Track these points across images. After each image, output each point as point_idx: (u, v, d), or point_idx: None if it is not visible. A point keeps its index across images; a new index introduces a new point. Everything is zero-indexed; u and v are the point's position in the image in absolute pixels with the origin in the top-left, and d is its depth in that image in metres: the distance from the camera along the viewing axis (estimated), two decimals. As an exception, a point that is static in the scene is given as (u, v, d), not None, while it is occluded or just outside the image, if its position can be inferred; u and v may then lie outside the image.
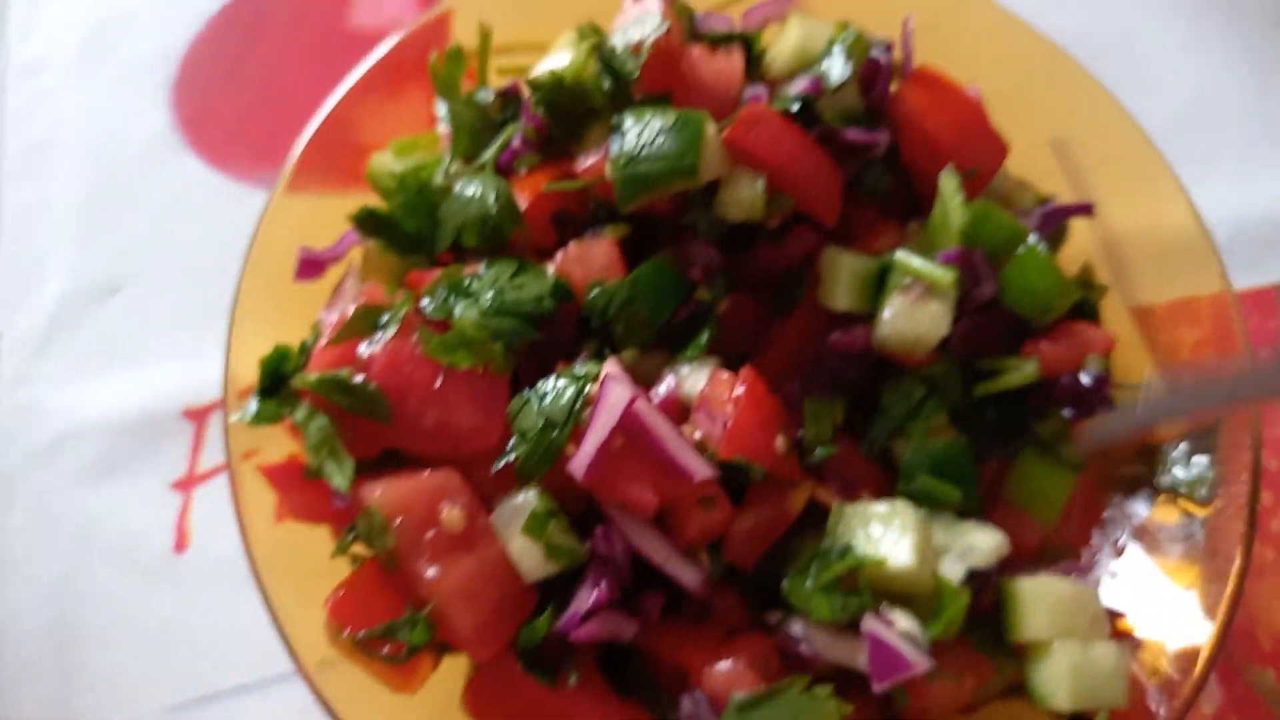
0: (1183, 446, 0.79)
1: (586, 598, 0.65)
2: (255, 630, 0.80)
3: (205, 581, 0.82)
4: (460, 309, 0.70)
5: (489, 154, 0.78)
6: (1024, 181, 0.92)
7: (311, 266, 0.79)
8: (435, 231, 0.76)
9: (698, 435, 0.69)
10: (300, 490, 0.69)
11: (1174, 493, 0.78)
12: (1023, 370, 0.73)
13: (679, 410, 0.71)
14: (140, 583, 0.81)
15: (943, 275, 0.71)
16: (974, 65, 0.85)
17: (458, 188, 0.76)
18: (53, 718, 0.77)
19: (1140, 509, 0.79)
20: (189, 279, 0.92)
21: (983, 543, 0.70)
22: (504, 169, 0.79)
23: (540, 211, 0.76)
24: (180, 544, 0.83)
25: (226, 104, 1.02)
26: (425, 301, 0.71)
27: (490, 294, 0.70)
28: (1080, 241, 0.91)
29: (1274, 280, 1.02)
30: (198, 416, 0.87)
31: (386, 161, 0.80)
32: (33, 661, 0.79)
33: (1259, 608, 0.89)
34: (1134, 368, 0.84)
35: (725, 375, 0.70)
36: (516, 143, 0.79)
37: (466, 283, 0.71)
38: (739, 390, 0.69)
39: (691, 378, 0.72)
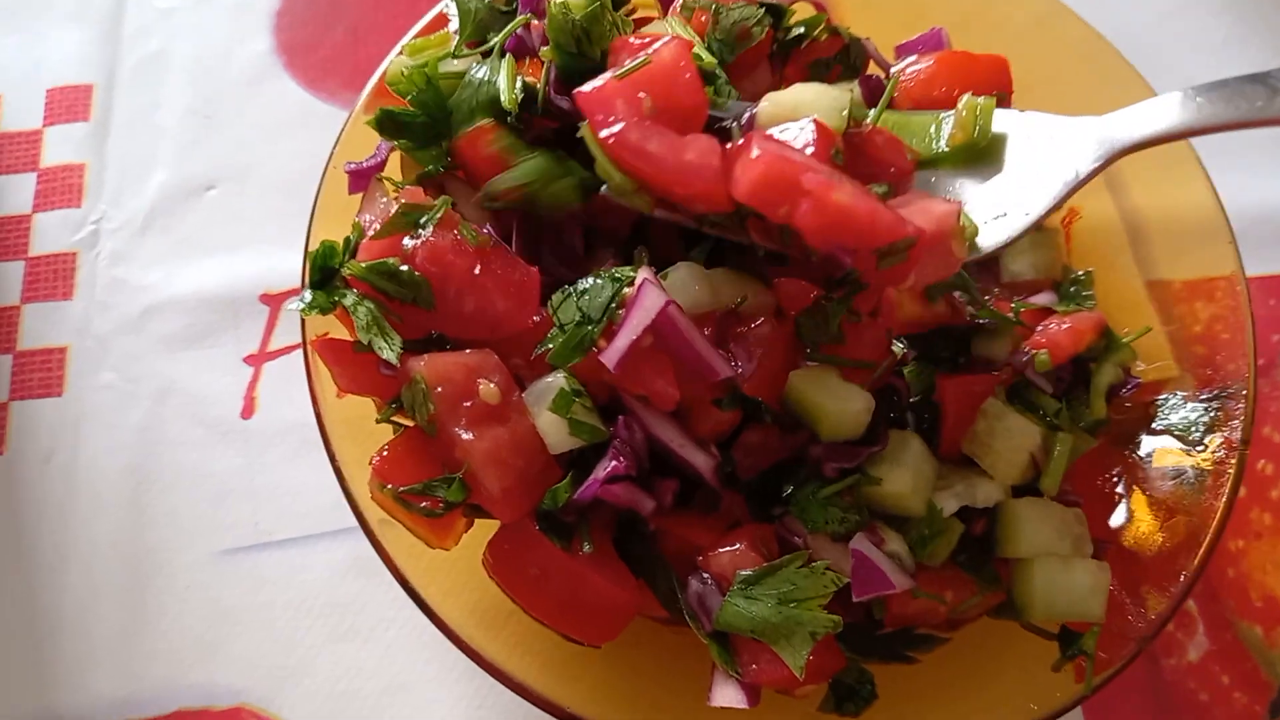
0: (1179, 395, 0.79)
1: (605, 467, 0.67)
2: (305, 493, 0.84)
3: (265, 447, 0.85)
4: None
5: (497, 39, 0.76)
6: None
7: (358, 179, 0.79)
8: (450, 119, 0.75)
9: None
10: (351, 364, 0.72)
11: (1168, 434, 0.77)
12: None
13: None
14: (208, 441, 0.85)
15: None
16: (1019, 46, 0.85)
17: (468, 74, 0.75)
18: (122, 547, 0.81)
19: (1137, 452, 0.79)
20: (276, 184, 0.96)
21: (982, 488, 0.71)
22: (515, 54, 0.77)
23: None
24: (247, 411, 0.86)
25: (323, 34, 1.05)
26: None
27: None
28: (1105, 214, 0.91)
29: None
30: (273, 301, 0.90)
31: (401, 63, 0.78)
32: (109, 499, 0.82)
33: (1252, 568, 0.88)
34: (1148, 338, 0.85)
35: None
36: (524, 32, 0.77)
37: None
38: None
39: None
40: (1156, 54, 1.04)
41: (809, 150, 0.65)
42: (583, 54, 0.74)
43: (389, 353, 0.68)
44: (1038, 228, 0.72)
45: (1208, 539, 0.71)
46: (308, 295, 0.70)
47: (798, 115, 0.68)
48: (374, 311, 0.69)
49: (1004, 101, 0.85)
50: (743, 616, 0.66)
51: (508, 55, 0.76)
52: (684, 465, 0.70)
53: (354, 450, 0.72)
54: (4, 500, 0.82)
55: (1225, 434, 0.76)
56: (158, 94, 1.00)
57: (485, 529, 0.71)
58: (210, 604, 0.80)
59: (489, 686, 0.79)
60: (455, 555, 0.71)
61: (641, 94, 0.65)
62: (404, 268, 0.69)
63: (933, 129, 0.77)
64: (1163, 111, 0.68)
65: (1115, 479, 0.78)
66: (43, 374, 0.87)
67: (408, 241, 0.70)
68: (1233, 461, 0.73)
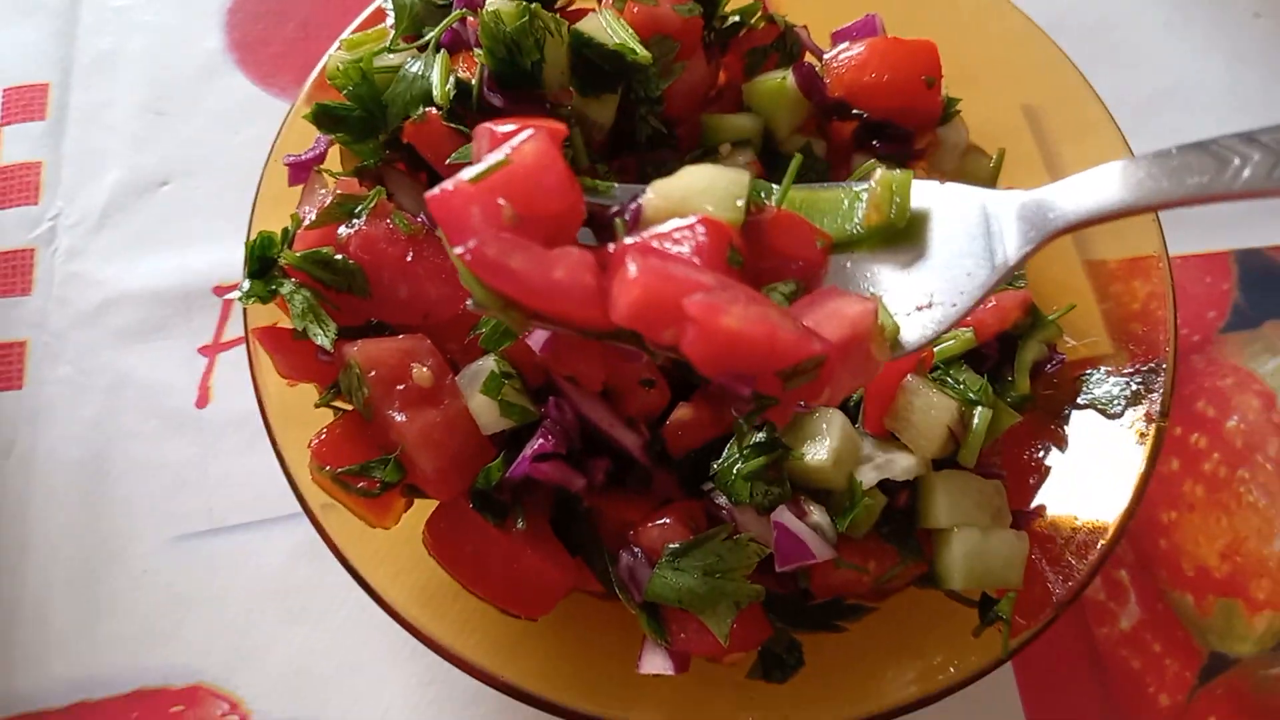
0: (1103, 370, 0.81)
1: (533, 445, 0.69)
2: (257, 480, 0.86)
3: (219, 436, 0.87)
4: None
5: (432, 33, 0.77)
6: (977, 147, 0.94)
7: (298, 171, 0.80)
8: (384, 114, 0.76)
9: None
10: (290, 351, 0.74)
11: (1092, 408, 0.80)
12: None
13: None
14: (163, 432, 0.87)
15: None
16: (959, 36, 0.87)
17: (402, 68, 0.76)
18: (79, 536, 0.83)
19: (1064, 426, 0.81)
20: (229, 179, 0.97)
21: (901, 461, 0.73)
22: (449, 49, 0.78)
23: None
24: (202, 401, 0.88)
25: (275, 30, 1.07)
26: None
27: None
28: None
29: (1229, 246, 1.02)
30: (226, 294, 0.93)
31: (339, 57, 0.79)
32: (63, 490, 0.84)
33: (1184, 539, 0.90)
34: (1083, 315, 0.87)
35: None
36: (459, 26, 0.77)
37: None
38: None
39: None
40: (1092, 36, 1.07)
41: (698, 257, 0.57)
42: (514, 60, 0.75)
43: (324, 339, 0.70)
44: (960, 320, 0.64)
45: (1124, 507, 0.73)
46: (246, 284, 0.73)
47: (687, 208, 0.62)
48: (310, 300, 0.71)
49: (933, 86, 0.87)
50: (670, 588, 0.68)
51: (442, 51, 0.78)
52: (615, 444, 0.72)
53: (298, 436, 0.74)
54: (-35, 491, 0.84)
55: (1146, 407, 0.78)
56: (112, 91, 1.02)
57: (429, 511, 0.73)
58: (165, 589, 0.82)
59: (438, 664, 0.81)
60: (401, 538, 0.74)
61: (501, 200, 0.56)
62: (338, 256, 0.71)
63: (845, 205, 0.70)
64: (1101, 187, 0.62)
65: (1041, 452, 0.80)
66: (2, 368, 0.89)
67: (342, 230, 0.72)
68: (1150, 433, 0.76)
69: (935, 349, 0.77)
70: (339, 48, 0.82)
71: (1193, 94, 1.11)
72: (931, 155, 0.92)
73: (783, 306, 0.60)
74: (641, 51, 0.77)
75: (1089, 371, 0.82)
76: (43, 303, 0.92)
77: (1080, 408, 0.80)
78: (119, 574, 0.82)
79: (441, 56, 0.77)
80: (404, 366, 0.70)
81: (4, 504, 0.84)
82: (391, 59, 0.79)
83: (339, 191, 0.74)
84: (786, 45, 0.92)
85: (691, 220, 0.59)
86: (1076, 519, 0.75)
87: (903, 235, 0.67)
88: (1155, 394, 0.78)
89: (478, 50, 0.77)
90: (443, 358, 0.72)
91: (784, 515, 0.69)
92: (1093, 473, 0.77)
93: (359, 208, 0.72)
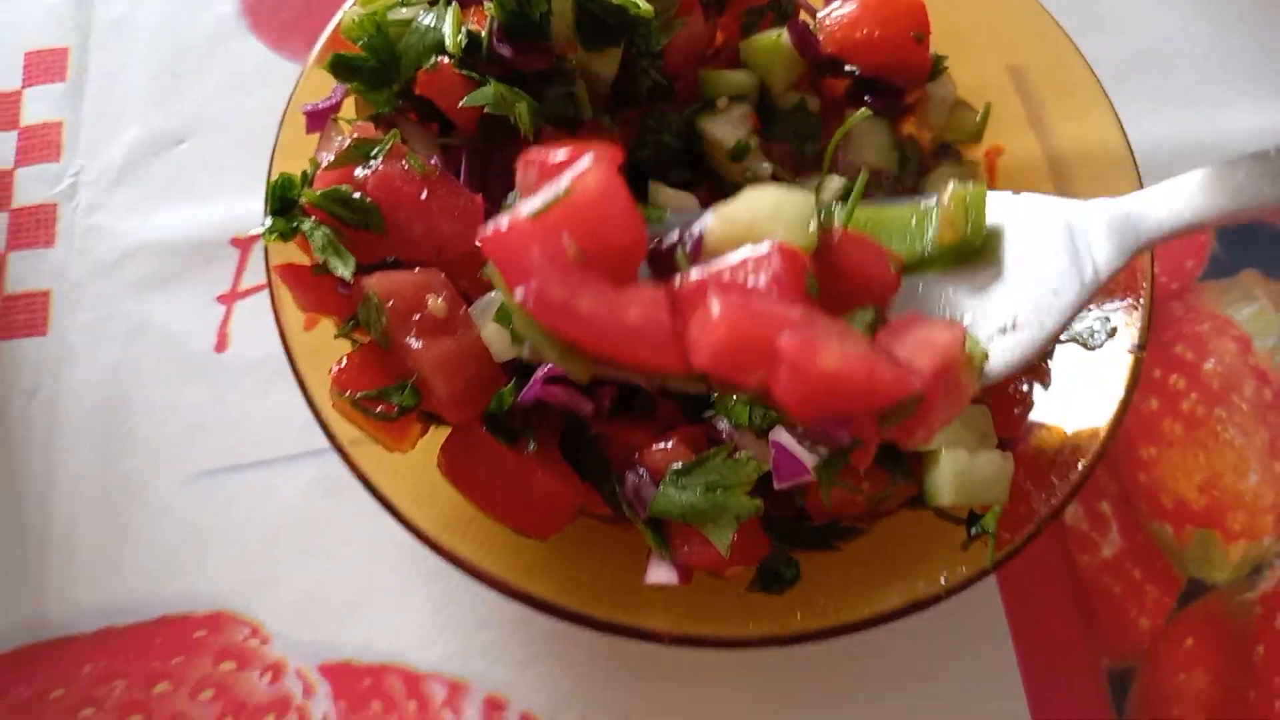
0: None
1: (544, 368, 0.73)
2: (273, 421, 0.89)
3: (236, 379, 0.90)
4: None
5: None
6: (965, 102, 0.98)
7: (315, 119, 0.84)
8: (398, 64, 0.80)
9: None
10: (311, 286, 0.77)
11: (1074, 341, 0.84)
12: None
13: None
14: (182, 374, 0.90)
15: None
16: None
17: (415, 20, 0.80)
18: (103, 474, 0.87)
19: (1047, 360, 0.85)
20: (243, 137, 1.01)
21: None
22: (460, 2, 0.81)
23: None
24: (220, 346, 0.92)
25: (287, -3, 1.12)
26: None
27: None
28: (1028, 152, 0.97)
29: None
30: (243, 244, 0.96)
31: (354, 12, 0.82)
32: (86, 431, 0.88)
33: (1164, 474, 0.94)
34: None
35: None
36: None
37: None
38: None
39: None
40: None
41: (776, 289, 0.53)
42: (523, 12, 0.79)
43: (344, 270, 0.74)
44: (1052, 345, 0.60)
45: (1105, 428, 0.77)
46: (268, 221, 0.76)
47: (755, 235, 0.57)
48: (329, 235, 0.75)
49: (922, 42, 0.91)
50: (674, 503, 0.72)
51: (453, 3, 0.82)
52: (620, 371, 0.76)
53: (318, 371, 0.77)
54: (-7, 432, 0.88)
55: (1126, 342, 0.82)
56: (129, 54, 1.05)
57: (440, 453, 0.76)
58: (187, 523, 0.86)
59: (450, 591, 0.85)
60: (416, 469, 0.77)
61: (564, 236, 0.51)
62: (356, 195, 0.75)
63: (914, 223, 0.66)
64: (1197, 194, 0.58)
65: (1025, 385, 0.84)
66: (27, 315, 0.92)
67: (359, 171, 0.75)
68: (1129, 363, 0.80)
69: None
70: (354, 3, 0.86)
71: (1173, 57, 1.15)
72: (921, 110, 0.96)
73: (868, 339, 0.56)
74: (644, 5, 0.81)
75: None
76: (65, 255, 0.95)
77: (1062, 343, 0.84)
78: (141, 509, 0.86)
79: (453, 8, 0.81)
80: (419, 298, 0.74)
81: (31, 443, 0.88)
82: (404, 13, 0.83)
83: (356, 135, 0.77)
84: (781, 5, 0.96)
85: (765, 248, 0.54)
86: (1059, 441, 0.79)
87: (977, 253, 0.63)
88: (1134, 328, 0.82)
89: (488, 4, 0.81)
90: (455, 291, 0.75)
91: (781, 435, 0.73)
92: (1075, 400, 0.81)
93: (376, 150, 0.76)
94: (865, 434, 0.51)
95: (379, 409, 0.73)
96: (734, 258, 0.54)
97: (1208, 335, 0.99)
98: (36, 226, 0.96)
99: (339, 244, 0.75)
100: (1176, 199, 0.59)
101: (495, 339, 0.74)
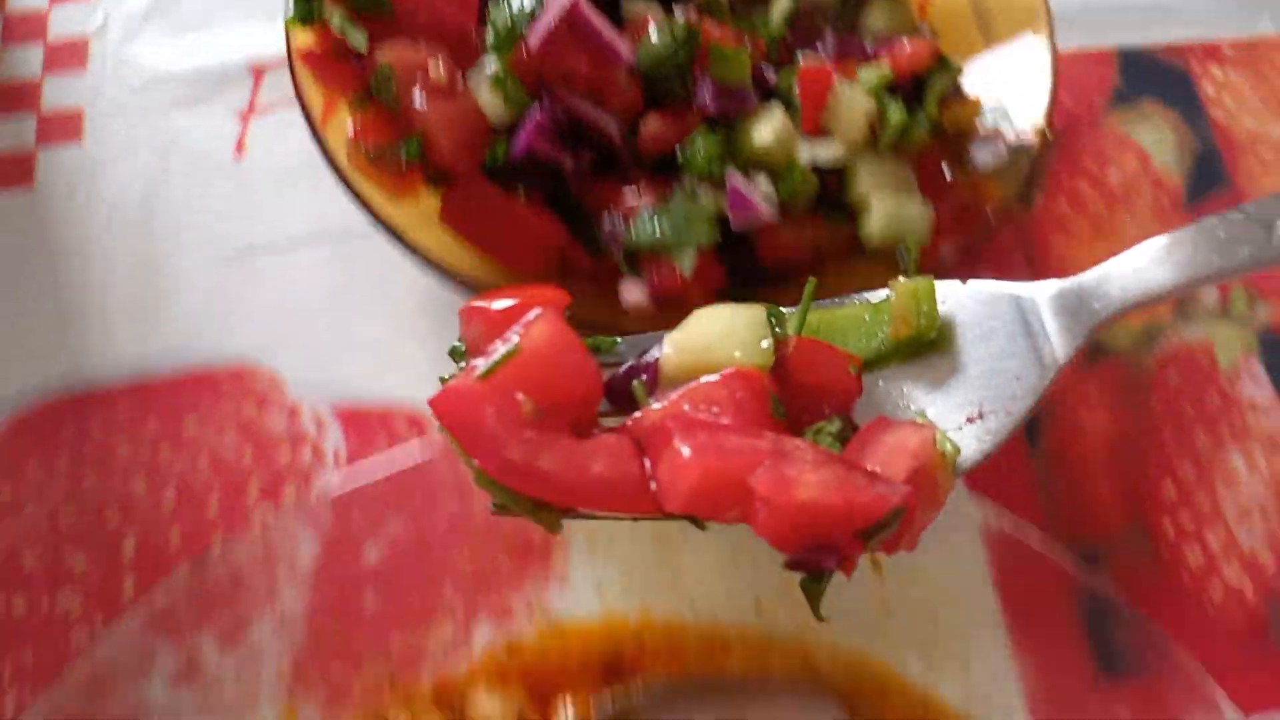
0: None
1: (533, 118, 0.85)
2: (291, 213, 1.01)
3: (256, 180, 1.02)
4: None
5: None
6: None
7: None
8: None
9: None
10: (328, 67, 0.89)
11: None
12: None
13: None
14: (207, 174, 1.01)
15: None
16: None
17: None
18: (136, 256, 0.97)
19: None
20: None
21: (830, 147, 0.90)
22: None
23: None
24: (239, 152, 1.04)
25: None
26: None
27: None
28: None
29: (1113, 44, 1.20)
30: (259, 71, 1.08)
31: None
32: (123, 224, 0.98)
33: (1074, 265, 1.06)
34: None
35: None
36: None
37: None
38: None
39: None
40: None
41: (742, 417, 0.53)
42: None
43: (358, 39, 0.86)
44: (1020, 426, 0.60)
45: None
46: (291, 5, 0.88)
47: (711, 359, 0.58)
48: (345, 14, 0.87)
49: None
50: (645, 237, 0.84)
51: None
52: (597, 136, 0.88)
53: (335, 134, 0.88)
54: (35, 225, 0.98)
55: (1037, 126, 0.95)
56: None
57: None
58: (213, 294, 0.96)
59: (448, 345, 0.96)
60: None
61: (518, 395, 0.51)
62: (368, -21, 0.87)
63: (867, 320, 0.66)
64: (1148, 270, 0.60)
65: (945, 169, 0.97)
66: (65, 125, 1.03)
67: (367, -36, 0.88)
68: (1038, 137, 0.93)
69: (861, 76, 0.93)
70: None
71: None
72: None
73: (837, 453, 0.56)
74: None
75: (985, 111, 0.99)
76: (97, 80, 1.06)
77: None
78: (171, 283, 0.97)
79: None
80: (423, 63, 0.86)
81: (68, 234, 0.98)
82: None
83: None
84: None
85: (723, 374, 0.54)
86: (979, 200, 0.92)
87: (933, 344, 0.64)
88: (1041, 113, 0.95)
89: None
90: (454, 63, 0.87)
91: (735, 178, 0.85)
92: (990, 172, 0.94)
93: (384, -56, 0.88)
94: (850, 550, 0.51)
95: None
96: (694, 386, 0.55)
97: (1111, 150, 1.12)
98: (70, 57, 1.07)
99: (354, 21, 0.87)
100: (1128, 277, 0.61)
101: (490, 103, 0.86)
